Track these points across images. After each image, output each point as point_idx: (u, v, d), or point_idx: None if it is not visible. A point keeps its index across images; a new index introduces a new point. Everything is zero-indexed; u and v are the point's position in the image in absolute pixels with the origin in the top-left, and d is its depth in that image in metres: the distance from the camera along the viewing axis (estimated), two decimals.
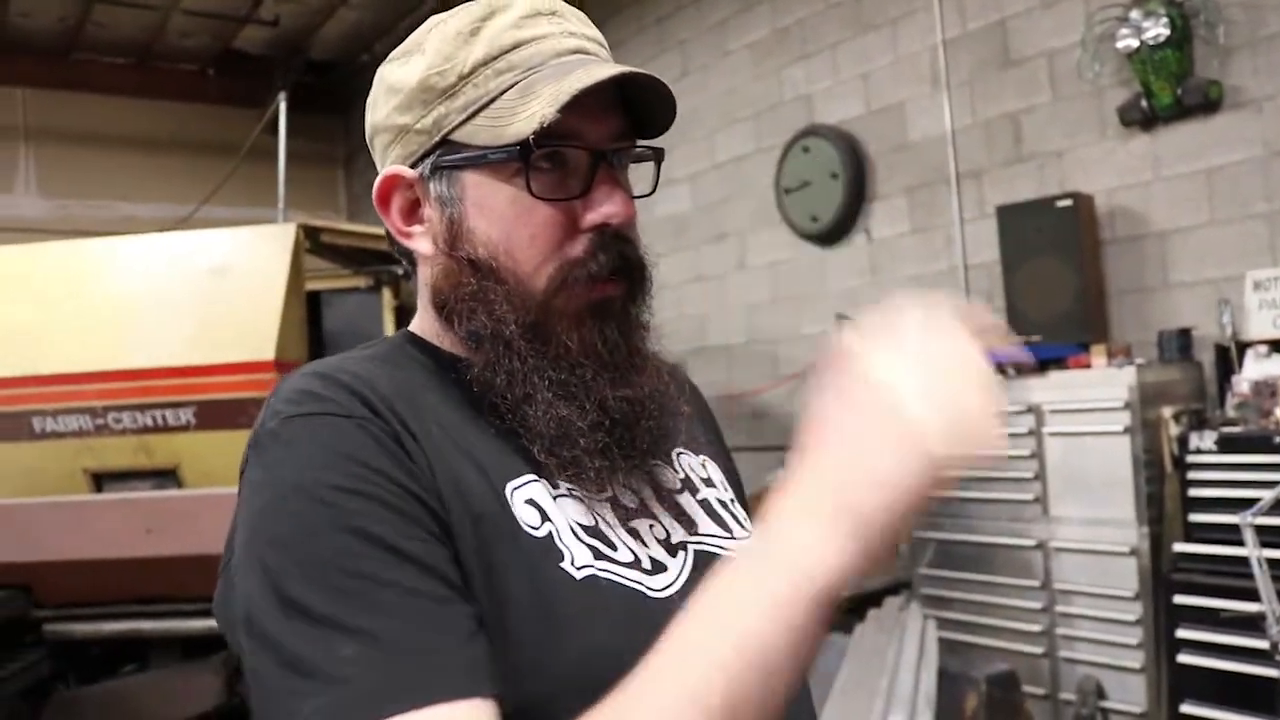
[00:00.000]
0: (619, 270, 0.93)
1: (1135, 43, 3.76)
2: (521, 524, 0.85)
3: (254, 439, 0.86)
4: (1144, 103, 3.85)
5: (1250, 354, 3.53)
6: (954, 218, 4.67)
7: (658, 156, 0.99)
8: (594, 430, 0.90)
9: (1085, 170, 4.15)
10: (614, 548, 0.88)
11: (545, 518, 0.86)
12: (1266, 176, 3.63)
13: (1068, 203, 3.95)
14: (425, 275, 0.99)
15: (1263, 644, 2.65)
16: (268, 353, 3.91)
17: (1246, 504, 2.61)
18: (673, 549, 0.93)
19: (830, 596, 0.70)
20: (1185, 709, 3.22)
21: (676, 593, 0.88)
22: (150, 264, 4.24)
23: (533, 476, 0.89)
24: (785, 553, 0.71)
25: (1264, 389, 3.41)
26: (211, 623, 3.42)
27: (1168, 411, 3.46)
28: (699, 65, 6.01)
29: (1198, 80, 3.72)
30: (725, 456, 1.15)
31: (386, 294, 5.08)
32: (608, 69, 0.89)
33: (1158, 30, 3.69)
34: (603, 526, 0.89)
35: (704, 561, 0.93)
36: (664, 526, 0.94)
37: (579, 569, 0.85)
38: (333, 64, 9.86)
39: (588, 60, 0.92)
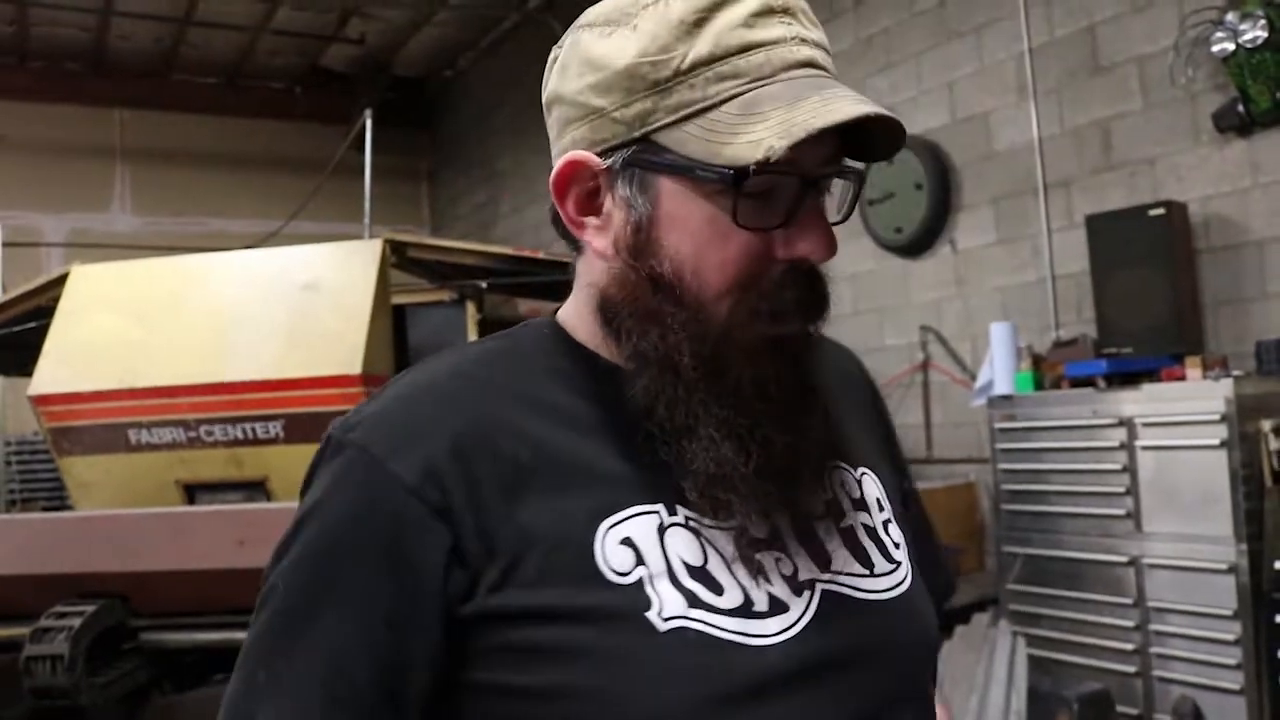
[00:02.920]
0: (803, 306, 0.86)
1: (1231, 46, 3.66)
2: (604, 569, 0.81)
3: (328, 433, 0.89)
4: (1240, 107, 3.74)
5: None
6: (1042, 228, 4.59)
7: (860, 179, 0.90)
8: (757, 476, 0.83)
9: (1178, 178, 4.05)
10: (720, 591, 0.82)
11: (640, 560, 0.81)
12: None
13: (1160, 211, 3.86)
14: (591, 271, 0.92)
15: None
16: (355, 367, 3.96)
17: None
18: (799, 587, 0.85)
19: None
20: None
21: (790, 639, 0.82)
22: (242, 280, 4.33)
23: (642, 508, 0.83)
24: None
25: None
26: None
27: (1267, 425, 3.36)
28: None
29: None
30: (890, 458, 1.07)
31: (470, 308, 5.13)
32: (846, 105, 0.80)
33: (1255, 32, 3.59)
34: (713, 564, 0.83)
35: (830, 604, 0.86)
36: (793, 561, 0.86)
37: (665, 619, 0.80)
38: (417, 80, 10.02)
39: (820, 81, 0.83)
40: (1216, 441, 3.34)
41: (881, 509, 0.97)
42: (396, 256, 4.67)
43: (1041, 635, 3.83)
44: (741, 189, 0.81)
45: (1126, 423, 3.59)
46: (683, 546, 0.83)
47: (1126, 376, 3.74)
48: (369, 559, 0.81)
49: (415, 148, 10.33)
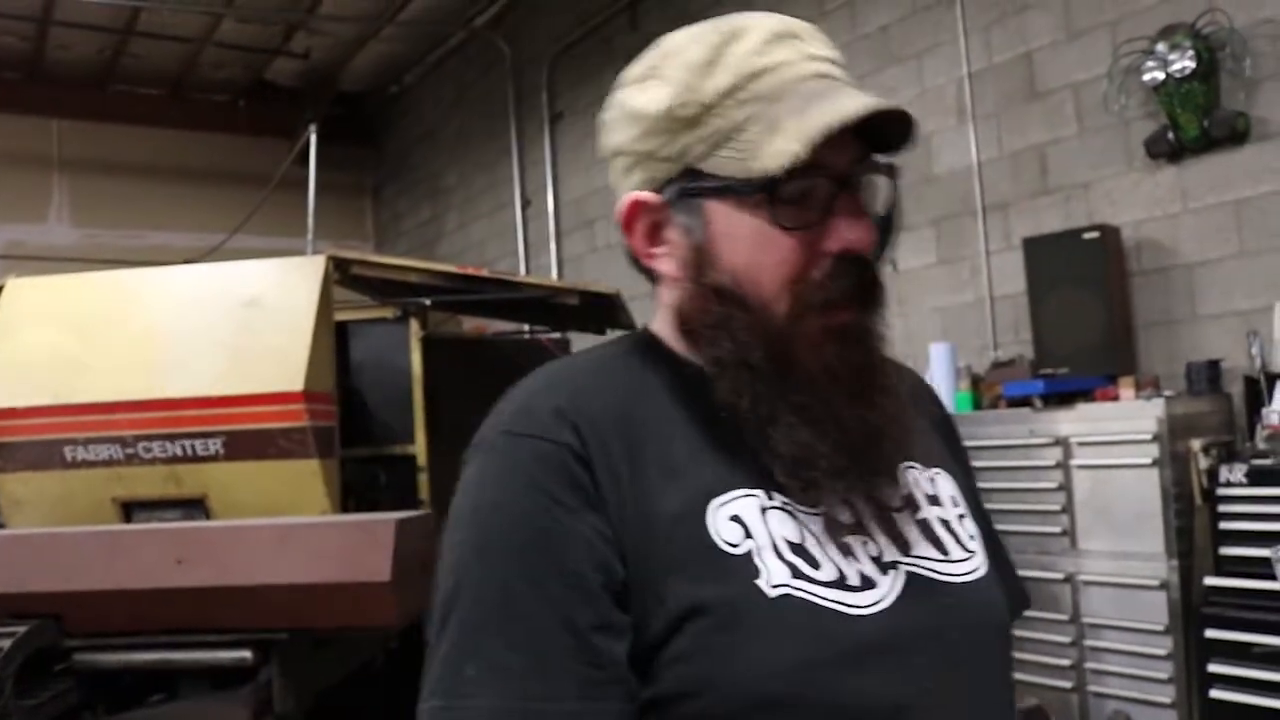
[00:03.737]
0: (856, 294, 0.95)
1: (1161, 75, 3.76)
2: (717, 540, 0.88)
3: (476, 442, 0.95)
4: (1170, 135, 3.84)
5: None
6: (980, 249, 4.67)
7: (893, 173, 0.98)
8: (835, 452, 0.92)
9: (1112, 202, 4.15)
10: (816, 565, 0.90)
11: (747, 534, 0.89)
12: None
13: (1094, 235, 3.94)
14: (667, 295, 1.02)
15: None
16: (297, 384, 3.93)
17: (1278, 537, 2.59)
18: (884, 567, 0.94)
19: None
20: None
21: (881, 612, 0.90)
22: (183, 295, 4.27)
23: (745, 491, 0.92)
24: None
25: None
26: (241, 653, 3.43)
27: (1197, 444, 3.44)
28: None
29: (1224, 112, 3.72)
30: (962, 466, 1.16)
31: (414, 325, 5.11)
32: (852, 103, 0.88)
33: (1184, 63, 3.69)
34: (809, 543, 0.91)
35: (915, 584, 0.94)
36: (877, 544, 0.95)
37: (774, 587, 0.87)
38: (362, 95, 9.97)
39: (831, 87, 0.92)
40: (1149, 460, 3.42)
41: (956, 505, 1.06)
42: (340, 273, 4.64)
43: None
44: (777, 196, 0.91)
45: (1062, 442, 3.66)
46: (782, 526, 0.91)
47: (1062, 396, 3.81)
48: (554, 514, 0.87)
49: (360, 163, 10.27)
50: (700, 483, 0.91)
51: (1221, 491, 3.33)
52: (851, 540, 0.93)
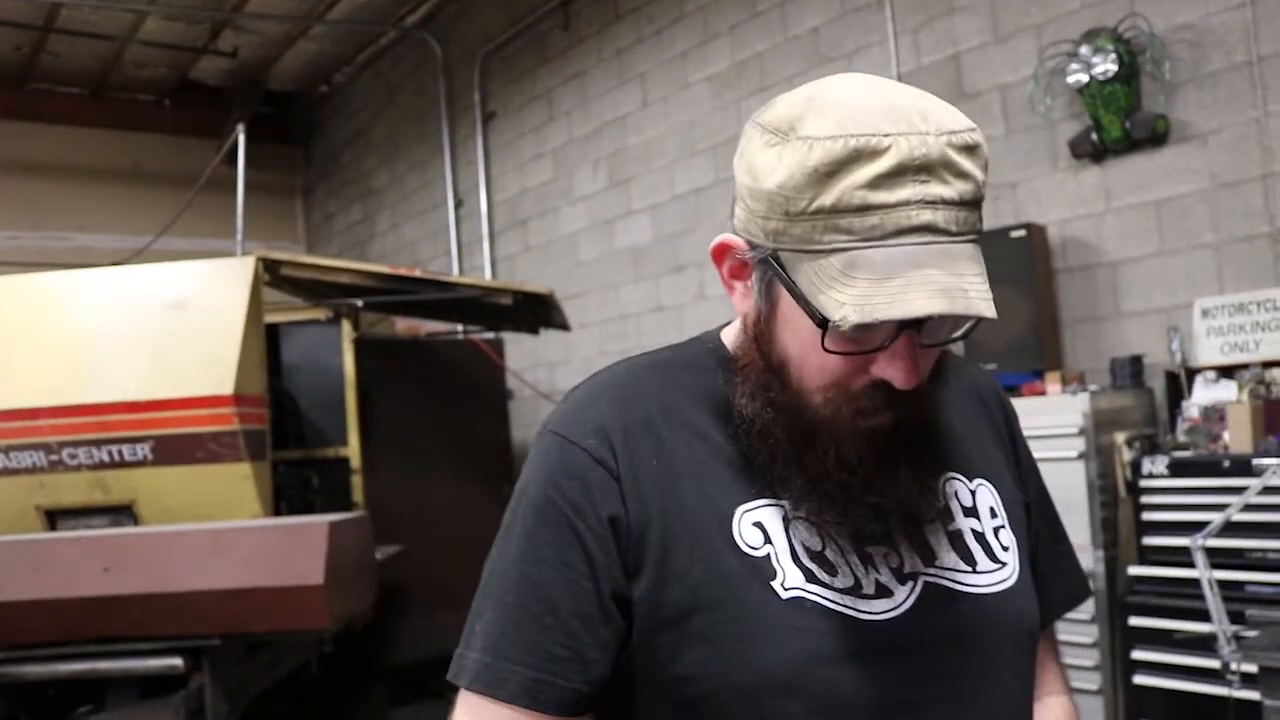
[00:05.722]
0: (890, 406, 0.96)
1: (1085, 78, 3.84)
2: (740, 543, 0.98)
3: (539, 427, 1.08)
4: (1094, 136, 3.93)
5: (1199, 380, 3.60)
6: None
7: (957, 330, 0.97)
8: (845, 516, 0.99)
9: (1038, 201, 4.23)
10: (833, 573, 0.99)
11: (767, 539, 0.99)
12: (1213, 207, 3.71)
13: (1021, 233, 4.02)
14: (737, 321, 1.07)
15: (1215, 664, 2.70)
16: (226, 387, 3.88)
17: (1197, 527, 2.66)
18: (904, 578, 1.01)
19: None
20: None
21: (893, 619, 0.98)
22: (108, 298, 4.20)
23: (769, 501, 1.01)
24: None
25: (1213, 414, 3.48)
26: (171, 661, 3.38)
27: (1120, 437, 3.52)
28: (659, 97, 6.06)
29: (1145, 114, 3.81)
30: (1016, 471, 1.19)
31: (346, 326, 5.07)
32: (921, 300, 0.86)
33: (1106, 66, 3.77)
34: (830, 551, 1.00)
35: (932, 593, 1.01)
36: (900, 555, 1.02)
37: (787, 589, 0.97)
38: (291, 95, 9.86)
39: (921, 256, 0.87)
40: (1075, 454, 3.49)
41: (994, 516, 1.11)
42: (270, 274, 4.58)
43: None
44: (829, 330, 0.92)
45: None
46: (805, 534, 1.00)
47: None
48: (566, 515, 1.00)
49: (289, 163, 10.15)
50: (732, 490, 1.01)
51: (1144, 483, 3.41)
52: (874, 550, 1.01)
